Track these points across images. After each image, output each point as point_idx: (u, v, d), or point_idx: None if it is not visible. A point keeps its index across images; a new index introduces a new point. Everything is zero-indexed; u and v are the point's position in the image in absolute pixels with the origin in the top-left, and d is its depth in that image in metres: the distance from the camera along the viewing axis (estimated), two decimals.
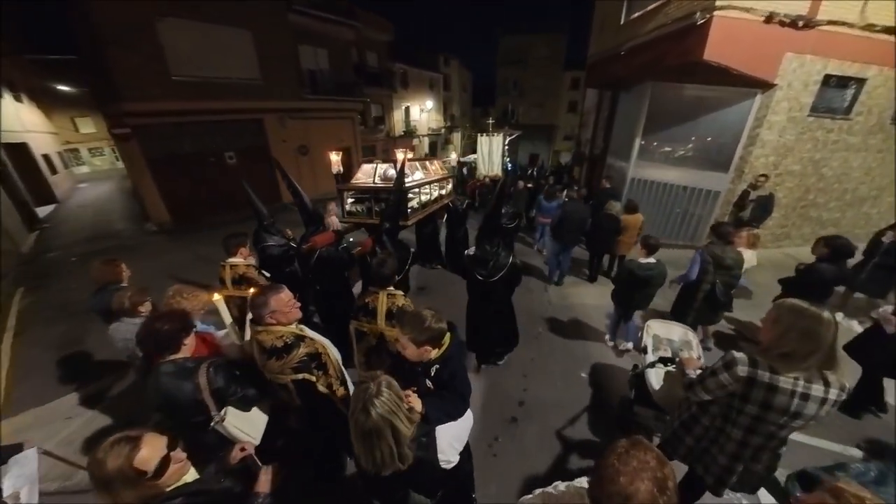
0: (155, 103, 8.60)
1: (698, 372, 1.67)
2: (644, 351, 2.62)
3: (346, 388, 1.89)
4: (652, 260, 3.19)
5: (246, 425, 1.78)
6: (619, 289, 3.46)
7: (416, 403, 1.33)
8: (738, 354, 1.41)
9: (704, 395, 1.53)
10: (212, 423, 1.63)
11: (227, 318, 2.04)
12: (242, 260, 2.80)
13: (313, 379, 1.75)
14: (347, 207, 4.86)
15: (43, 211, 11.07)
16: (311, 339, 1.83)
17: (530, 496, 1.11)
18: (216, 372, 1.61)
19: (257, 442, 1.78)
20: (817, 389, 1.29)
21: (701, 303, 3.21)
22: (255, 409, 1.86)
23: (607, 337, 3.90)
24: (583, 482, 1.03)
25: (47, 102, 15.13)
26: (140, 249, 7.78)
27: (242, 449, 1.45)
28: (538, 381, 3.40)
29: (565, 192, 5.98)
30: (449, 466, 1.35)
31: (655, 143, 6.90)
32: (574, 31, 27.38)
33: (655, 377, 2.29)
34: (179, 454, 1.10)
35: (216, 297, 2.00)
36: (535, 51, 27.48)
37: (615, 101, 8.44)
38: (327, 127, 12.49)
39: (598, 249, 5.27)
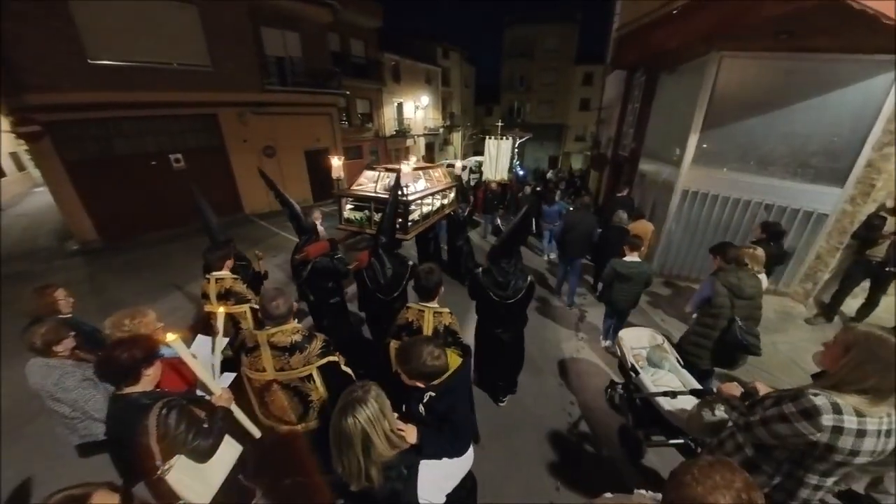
0: (69, 94, 6.90)
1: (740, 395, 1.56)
2: (634, 371, 2.59)
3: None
4: (636, 259, 3.32)
5: (196, 480, 1.49)
6: (606, 288, 3.53)
7: (410, 433, 1.31)
8: (818, 400, 1.14)
9: (770, 440, 1.27)
10: (155, 475, 1.38)
11: (221, 342, 1.98)
12: (229, 273, 2.56)
13: (336, 359, 1.81)
14: (346, 214, 4.75)
15: None
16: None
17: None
18: (168, 414, 1.37)
19: (207, 500, 1.52)
20: None
21: (717, 345, 2.69)
22: (211, 462, 1.53)
23: (601, 338, 4.00)
24: (642, 495, 1.04)
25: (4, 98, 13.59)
26: (45, 276, 6.20)
27: None
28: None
29: (574, 200, 5.50)
30: None
31: (720, 142, 4.84)
32: (586, 21, 25.40)
33: (669, 402, 2.19)
34: None
35: (220, 310, 2.06)
36: (545, 42, 25.51)
37: (651, 86, 6.43)
38: (299, 124, 10.69)
39: (605, 264, 4.78)
